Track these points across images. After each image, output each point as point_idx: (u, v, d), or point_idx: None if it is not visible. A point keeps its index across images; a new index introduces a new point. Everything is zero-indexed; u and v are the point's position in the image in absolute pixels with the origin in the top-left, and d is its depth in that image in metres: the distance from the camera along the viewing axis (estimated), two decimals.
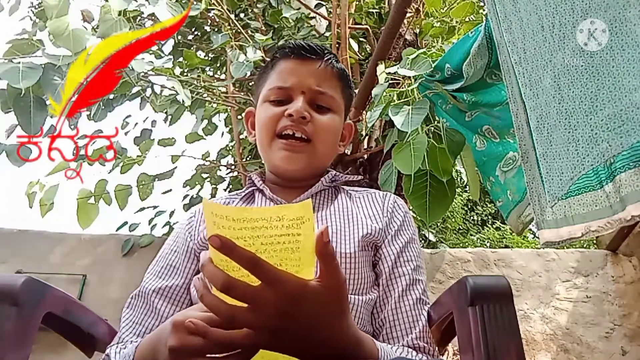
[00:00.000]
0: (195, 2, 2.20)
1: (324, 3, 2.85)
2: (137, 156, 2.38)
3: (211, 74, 3.35)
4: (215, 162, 3.25)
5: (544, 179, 0.92)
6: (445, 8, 2.54)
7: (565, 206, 1.09)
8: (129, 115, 2.89)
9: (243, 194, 0.87)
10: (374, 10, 2.72)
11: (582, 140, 0.86)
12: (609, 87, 0.83)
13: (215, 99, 2.69)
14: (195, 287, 0.46)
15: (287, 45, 0.85)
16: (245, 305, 0.45)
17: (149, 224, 2.76)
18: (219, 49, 2.58)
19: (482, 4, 2.20)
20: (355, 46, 2.60)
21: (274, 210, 0.45)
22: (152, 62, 2.36)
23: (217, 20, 2.75)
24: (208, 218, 0.45)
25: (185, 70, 2.90)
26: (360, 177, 1.00)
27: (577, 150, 0.86)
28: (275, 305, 0.44)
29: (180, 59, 2.94)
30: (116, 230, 2.70)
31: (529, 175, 1.07)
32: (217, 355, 0.46)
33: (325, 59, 0.84)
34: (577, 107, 0.87)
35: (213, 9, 2.56)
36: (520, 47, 0.99)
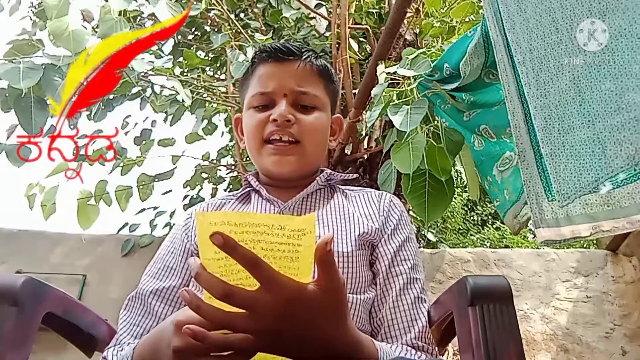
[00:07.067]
0: (195, 2, 2.20)
1: (324, 3, 2.85)
2: (137, 157, 2.38)
3: (211, 74, 3.35)
4: (215, 162, 3.25)
5: (553, 179, 0.92)
6: (445, 8, 2.53)
7: (568, 206, 1.08)
8: (129, 115, 2.89)
9: (239, 194, 0.86)
10: (374, 10, 2.72)
11: (610, 142, 0.85)
12: (633, 87, 0.83)
13: (215, 99, 2.69)
14: (185, 300, 0.45)
15: (264, 50, 0.84)
16: (243, 311, 0.44)
17: (150, 224, 2.76)
18: (219, 49, 2.57)
19: (482, 4, 2.20)
20: (355, 46, 2.59)
21: (276, 218, 0.46)
22: (152, 62, 2.36)
23: (217, 20, 2.75)
24: (203, 231, 0.43)
25: (185, 70, 2.90)
26: (356, 175, 1.00)
27: (605, 152, 0.85)
28: (273, 310, 0.44)
29: (180, 59, 2.94)
30: (117, 232, 2.70)
31: (526, 174, 1.06)
32: (221, 354, 0.46)
33: (304, 57, 0.83)
34: (602, 109, 0.86)
35: (213, 9, 2.56)
36: (526, 47, 0.98)
